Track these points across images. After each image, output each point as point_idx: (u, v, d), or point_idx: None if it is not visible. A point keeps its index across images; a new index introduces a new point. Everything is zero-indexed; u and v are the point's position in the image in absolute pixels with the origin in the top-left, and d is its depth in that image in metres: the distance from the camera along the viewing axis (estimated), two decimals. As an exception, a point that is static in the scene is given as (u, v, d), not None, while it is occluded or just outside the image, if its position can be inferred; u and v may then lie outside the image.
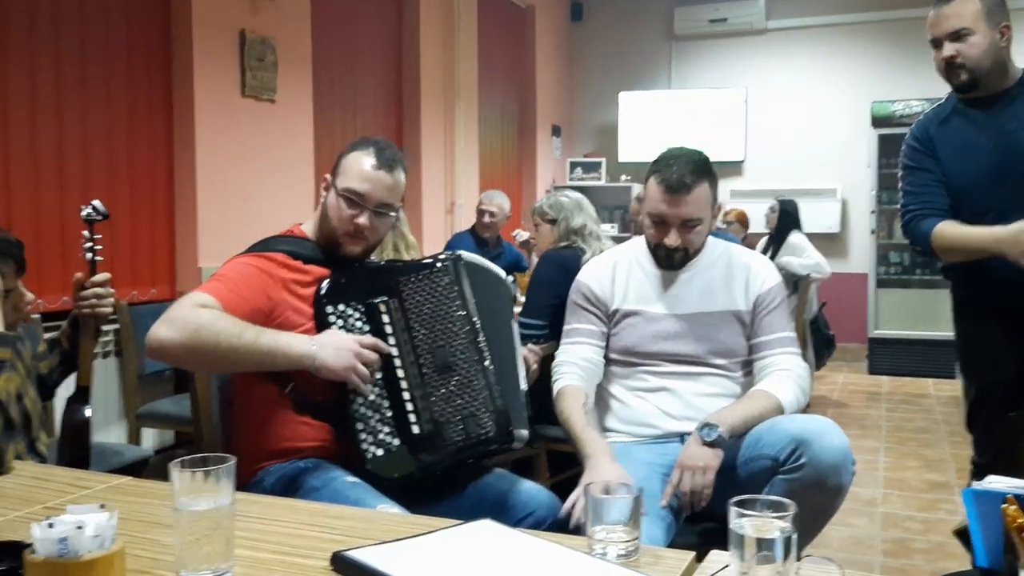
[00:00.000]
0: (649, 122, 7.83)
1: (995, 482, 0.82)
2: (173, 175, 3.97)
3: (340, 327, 1.73)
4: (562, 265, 3.04)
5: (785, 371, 1.99)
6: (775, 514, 0.84)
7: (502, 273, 1.98)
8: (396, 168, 1.83)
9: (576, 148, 8.34)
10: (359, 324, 1.75)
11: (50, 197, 3.39)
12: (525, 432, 1.79)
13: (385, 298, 1.76)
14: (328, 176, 1.88)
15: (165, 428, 3.62)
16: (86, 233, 1.94)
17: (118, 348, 3.56)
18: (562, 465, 3.14)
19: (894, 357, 6.83)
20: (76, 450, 1.86)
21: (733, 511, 0.85)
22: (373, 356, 1.65)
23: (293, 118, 4.56)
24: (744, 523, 0.83)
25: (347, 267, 1.83)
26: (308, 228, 1.90)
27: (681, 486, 1.75)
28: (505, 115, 7.28)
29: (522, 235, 5.02)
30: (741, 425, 1.85)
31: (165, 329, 1.58)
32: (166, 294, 3.93)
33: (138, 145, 3.80)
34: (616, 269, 2.11)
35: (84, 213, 1.93)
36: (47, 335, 2.12)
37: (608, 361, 2.10)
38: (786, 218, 5.95)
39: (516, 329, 1.95)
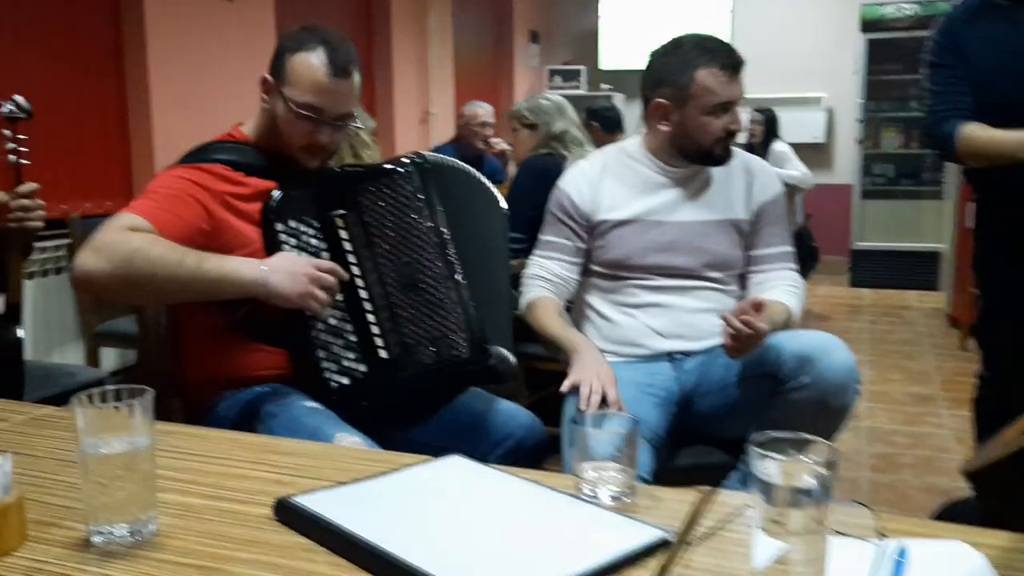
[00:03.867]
0: (631, 27, 7.51)
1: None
2: (125, 81, 3.68)
3: (293, 246, 1.54)
4: (542, 173, 2.85)
5: (792, 287, 1.86)
6: (809, 458, 0.68)
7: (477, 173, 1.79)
8: (352, 71, 1.59)
9: (555, 55, 8.00)
10: (314, 242, 1.56)
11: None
12: (505, 352, 1.63)
13: (342, 211, 1.57)
14: (269, 77, 1.61)
15: (126, 348, 3.42)
16: (8, 133, 1.74)
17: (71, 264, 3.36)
18: (541, 384, 3.02)
19: (877, 269, 6.73)
20: (5, 376, 1.68)
21: (754, 452, 0.70)
22: (331, 280, 1.45)
23: (253, 19, 4.24)
24: (770, 467, 0.68)
25: (296, 176, 1.61)
26: (249, 130, 1.66)
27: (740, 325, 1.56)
28: (480, 20, 6.93)
29: (500, 144, 4.72)
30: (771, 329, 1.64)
31: (92, 258, 1.38)
32: (122, 207, 3.67)
33: (84, 48, 3.50)
34: (604, 175, 1.92)
35: (6, 110, 1.74)
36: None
37: (593, 274, 1.94)
38: (770, 127, 5.77)
39: (504, 235, 1.78)
